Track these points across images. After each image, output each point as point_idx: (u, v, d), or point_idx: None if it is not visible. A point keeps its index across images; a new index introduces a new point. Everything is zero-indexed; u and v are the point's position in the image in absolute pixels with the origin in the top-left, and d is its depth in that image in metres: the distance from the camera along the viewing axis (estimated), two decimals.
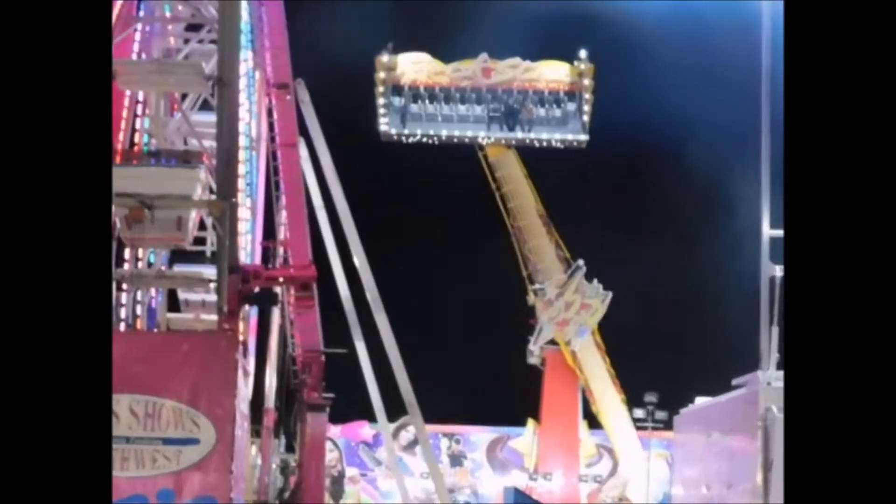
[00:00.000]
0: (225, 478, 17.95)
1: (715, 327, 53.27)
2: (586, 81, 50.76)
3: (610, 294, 52.69)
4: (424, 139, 50.15)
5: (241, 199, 29.10)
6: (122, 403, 17.64)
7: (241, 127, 29.23)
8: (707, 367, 44.81)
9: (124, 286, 25.55)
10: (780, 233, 13.02)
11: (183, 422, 18.03)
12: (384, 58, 49.84)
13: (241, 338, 21.10)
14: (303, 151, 31.67)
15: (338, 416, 43.75)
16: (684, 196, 54.59)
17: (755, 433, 19.29)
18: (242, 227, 29.38)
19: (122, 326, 25.53)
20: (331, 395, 29.26)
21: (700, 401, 27.17)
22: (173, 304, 29.43)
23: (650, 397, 47.67)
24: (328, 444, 36.13)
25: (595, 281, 52.60)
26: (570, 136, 50.97)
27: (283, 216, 30.69)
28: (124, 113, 27.24)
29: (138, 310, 27.34)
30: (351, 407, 41.08)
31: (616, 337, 53.88)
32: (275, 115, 31.21)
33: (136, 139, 27.89)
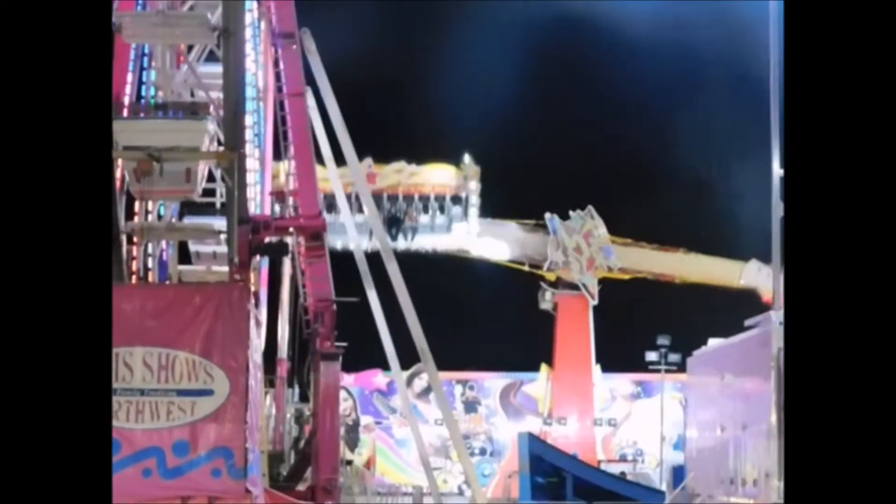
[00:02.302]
0: (240, 428, 18.00)
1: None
2: (472, 184, 50.10)
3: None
4: None
5: (249, 149, 29.08)
6: (135, 356, 17.69)
7: (248, 77, 29.17)
8: (720, 309, 45.01)
9: (135, 239, 25.56)
10: None
11: (197, 373, 18.07)
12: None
13: (252, 288, 21.11)
14: (310, 101, 31.55)
15: (351, 365, 43.86)
16: (697, 140, 54.41)
17: (768, 373, 19.32)
18: (251, 177, 29.36)
19: (134, 280, 25.56)
20: (343, 343, 29.28)
21: (713, 342, 27.22)
22: (184, 256, 29.46)
23: (663, 340, 47.72)
24: (342, 393, 36.20)
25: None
26: (453, 246, 50.47)
27: (291, 166, 30.63)
28: (130, 66, 27.14)
29: (149, 263, 27.36)
30: (364, 356, 41.16)
31: (628, 280, 53.89)
32: (281, 65, 31.07)
33: (143, 92, 27.81)
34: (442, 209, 50.48)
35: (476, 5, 54.53)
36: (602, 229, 52.56)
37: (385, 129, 52.40)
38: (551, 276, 52.77)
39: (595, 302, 52.64)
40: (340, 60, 32.38)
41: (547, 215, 52.44)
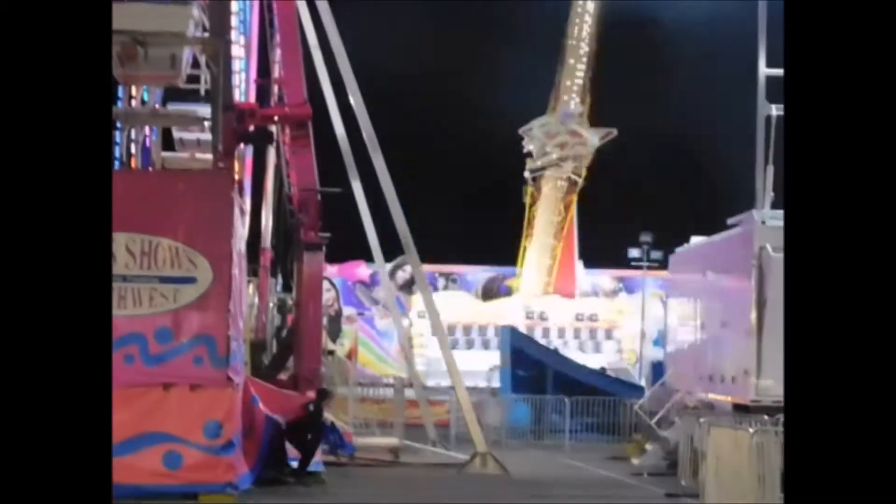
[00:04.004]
0: (222, 316, 18.02)
1: (711, 167, 53.37)
2: None
3: (613, 131, 52.63)
4: None
5: (235, 36, 28.82)
6: (118, 242, 17.61)
7: None
8: (703, 206, 45.13)
9: (118, 124, 25.40)
10: (776, 72, 12.90)
11: (180, 260, 18.03)
12: None
13: (236, 177, 21.03)
14: None
15: (335, 256, 43.98)
16: (683, 40, 54.11)
17: (749, 272, 19.41)
18: (237, 65, 29.13)
19: (117, 165, 25.45)
20: (327, 234, 29.28)
21: (695, 240, 27.29)
22: (168, 143, 29.32)
23: (645, 237, 47.85)
24: (325, 284, 36.31)
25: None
26: None
27: (277, 54, 30.38)
28: None
29: (133, 149, 27.23)
30: (348, 247, 41.26)
31: (613, 176, 53.93)
32: None
33: None
34: None
35: None
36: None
37: None
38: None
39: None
40: None
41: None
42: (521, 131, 53.04)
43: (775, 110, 13.52)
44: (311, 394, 22.48)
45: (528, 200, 53.65)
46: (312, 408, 21.16)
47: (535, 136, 52.77)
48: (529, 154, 53.36)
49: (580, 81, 52.77)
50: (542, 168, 53.21)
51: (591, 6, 53.00)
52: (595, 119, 53.10)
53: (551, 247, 53.31)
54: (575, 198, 53.35)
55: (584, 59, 52.78)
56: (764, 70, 11.86)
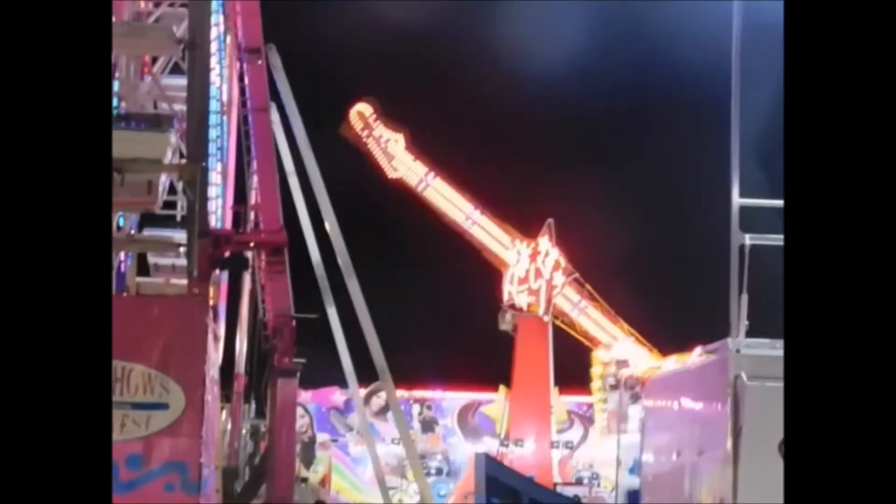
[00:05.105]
0: (194, 443, 17.88)
1: (686, 294, 53.54)
2: None
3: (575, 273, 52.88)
4: None
5: (212, 163, 28.99)
6: None
7: (212, 91, 29.10)
8: (678, 333, 45.18)
9: None
10: (749, 202, 13.04)
11: (152, 386, 17.94)
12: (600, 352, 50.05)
13: (211, 302, 21.00)
14: (274, 116, 31.54)
15: (309, 382, 43.73)
16: (658, 165, 54.75)
17: (725, 399, 19.38)
18: (213, 191, 29.27)
19: None
20: (302, 360, 29.21)
21: (670, 367, 27.36)
22: (143, 268, 29.31)
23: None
24: (299, 410, 36.15)
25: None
26: None
27: (254, 181, 30.59)
28: None
29: None
30: (322, 372, 41.07)
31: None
32: (246, 80, 31.04)
33: None
34: None
35: None
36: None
37: None
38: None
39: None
40: None
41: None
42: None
43: (748, 239, 13.63)
44: None
45: (507, 328, 53.64)
46: None
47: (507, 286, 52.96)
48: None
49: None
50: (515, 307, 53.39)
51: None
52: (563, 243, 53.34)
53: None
54: (549, 327, 53.35)
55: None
56: (737, 200, 11.97)
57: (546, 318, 52.51)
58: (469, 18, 56.76)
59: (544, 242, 52.92)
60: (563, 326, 52.94)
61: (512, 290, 52.71)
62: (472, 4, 56.19)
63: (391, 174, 51.58)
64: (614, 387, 48.88)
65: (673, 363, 46.97)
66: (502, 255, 52.85)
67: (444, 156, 52.95)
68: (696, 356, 16.91)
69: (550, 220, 52.85)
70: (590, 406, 54.40)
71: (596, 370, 51.23)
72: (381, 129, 51.51)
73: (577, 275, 52.80)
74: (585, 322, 53.00)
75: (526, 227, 53.13)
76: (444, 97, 56.16)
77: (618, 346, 50.89)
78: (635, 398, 47.27)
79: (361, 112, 51.44)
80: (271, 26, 31.37)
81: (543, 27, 52.57)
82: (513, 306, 52.83)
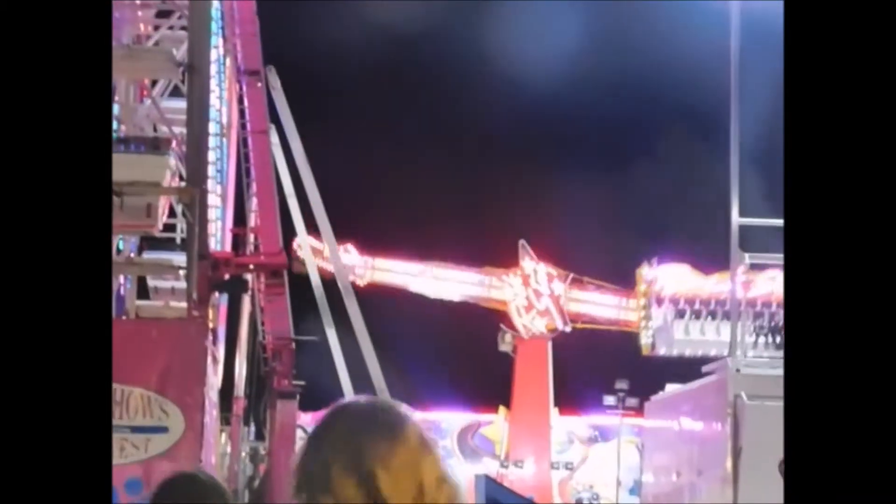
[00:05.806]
0: (194, 466, 17.83)
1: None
2: None
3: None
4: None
5: (211, 185, 29.01)
6: None
7: (212, 113, 29.15)
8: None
9: None
10: (748, 221, 13.02)
11: (152, 410, 17.90)
12: (644, 270, 49.75)
13: (210, 325, 21.00)
14: (273, 138, 31.58)
15: (308, 404, 43.59)
16: (655, 185, 54.77)
17: (724, 420, 19.34)
18: (212, 213, 29.29)
19: None
20: (301, 382, 29.20)
21: (670, 388, 27.25)
22: (142, 291, 29.30)
23: (621, 384, 47.75)
24: (298, 432, 36.03)
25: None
26: None
27: (253, 203, 30.61)
28: None
29: None
30: (321, 395, 40.93)
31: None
32: (245, 102, 31.09)
33: None
34: None
35: None
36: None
37: None
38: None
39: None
40: None
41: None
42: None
43: (749, 259, 13.64)
44: None
45: (507, 349, 53.61)
46: None
47: (517, 320, 53.02)
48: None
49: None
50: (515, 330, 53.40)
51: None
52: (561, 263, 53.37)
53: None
54: (549, 346, 53.32)
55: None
56: (736, 219, 11.98)
57: (567, 328, 52.60)
58: (464, 44, 56.88)
59: (528, 264, 53.01)
60: (588, 326, 52.97)
61: (525, 322, 52.86)
62: (465, 35, 56.39)
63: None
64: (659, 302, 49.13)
65: (715, 282, 47.07)
66: (495, 296, 53.08)
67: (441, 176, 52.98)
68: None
69: (522, 241, 52.96)
70: (592, 427, 54.30)
71: (641, 288, 51.08)
72: None
73: (573, 275, 52.84)
74: (603, 311, 53.06)
75: (507, 257, 53.35)
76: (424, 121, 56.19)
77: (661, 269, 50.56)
78: (680, 315, 47.71)
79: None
80: (270, 46, 31.46)
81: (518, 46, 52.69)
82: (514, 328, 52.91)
